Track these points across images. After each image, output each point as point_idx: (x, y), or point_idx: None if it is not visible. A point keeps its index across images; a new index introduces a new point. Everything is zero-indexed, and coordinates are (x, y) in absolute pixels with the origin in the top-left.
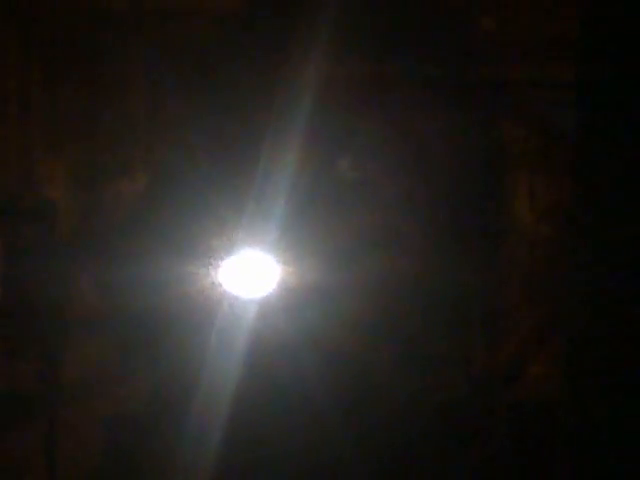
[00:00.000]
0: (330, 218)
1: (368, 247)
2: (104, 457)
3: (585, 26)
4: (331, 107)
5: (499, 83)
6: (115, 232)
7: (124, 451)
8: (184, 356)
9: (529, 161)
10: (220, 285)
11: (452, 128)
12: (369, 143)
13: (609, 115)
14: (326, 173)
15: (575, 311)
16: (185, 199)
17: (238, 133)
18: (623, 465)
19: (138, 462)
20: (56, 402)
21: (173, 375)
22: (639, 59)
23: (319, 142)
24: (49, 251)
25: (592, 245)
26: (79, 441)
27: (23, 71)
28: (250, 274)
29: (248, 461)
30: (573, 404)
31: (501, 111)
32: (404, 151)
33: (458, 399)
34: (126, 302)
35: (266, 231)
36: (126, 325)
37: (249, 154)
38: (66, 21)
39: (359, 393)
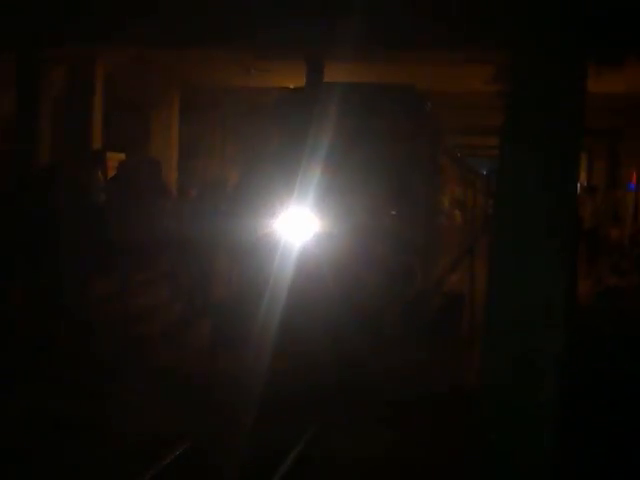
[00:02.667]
0: (340, 199)
1: (359, 213)
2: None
3: None
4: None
5: None
6: (225, 200)
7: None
8: (262, 269)
9: None
10: (281, 230)
11: None
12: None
13: None
14: (338, 177)
15: None
16: (261, 186)
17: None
18: None
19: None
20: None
21: (254, 280)
22: None
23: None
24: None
25: None
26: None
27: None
28: (298, 225)
29: (297, 323)
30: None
31: None
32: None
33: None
34: (231, 239)
35: (307, 203)
36: (231, 252)
37: (298, 163)
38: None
39: (352, 289)
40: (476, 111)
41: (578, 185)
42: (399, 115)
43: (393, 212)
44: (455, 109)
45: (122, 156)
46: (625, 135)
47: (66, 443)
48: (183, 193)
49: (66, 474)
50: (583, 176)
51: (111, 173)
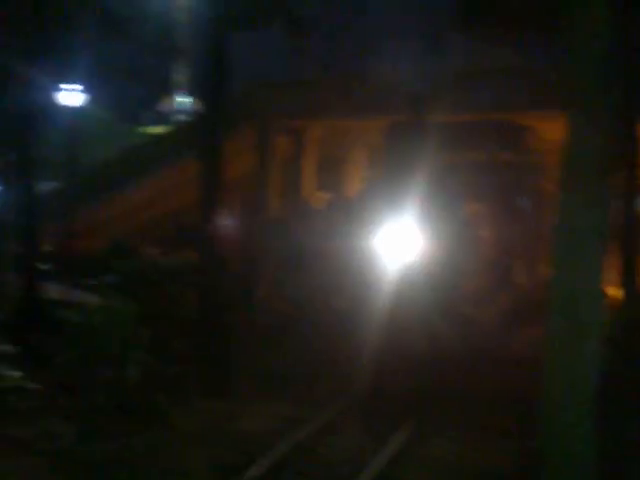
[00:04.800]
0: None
1: (463, 231)
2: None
3: None
4: None
5: None
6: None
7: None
8: (368, 277)
9: None
10: (385, 243)
11: None
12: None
13: None
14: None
15: None
16: (376, 200)
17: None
18: None
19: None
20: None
21: (361, 286)
22: None
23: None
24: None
25: None
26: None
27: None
28: (401, 242)
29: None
30: None
31: None
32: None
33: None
34: (344, 244)
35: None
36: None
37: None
38: None
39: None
40: None
41: None
42: (504, 146)
43: (498, 227)
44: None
45: (327, 195)
46: None
47: None
48: None
49: None
50: None
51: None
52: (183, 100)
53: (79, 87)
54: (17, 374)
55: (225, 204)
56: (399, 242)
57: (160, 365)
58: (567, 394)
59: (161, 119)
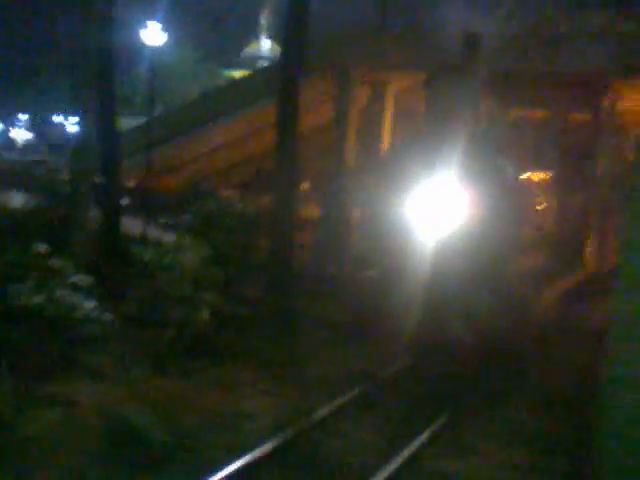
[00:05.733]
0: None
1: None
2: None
3: None
4: None
5: None
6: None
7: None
8: (406, 245)
9: None
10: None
11: None
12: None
13: None
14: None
15: None
16: (405, 165)
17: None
18: None
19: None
20: None
21: (399, 256)
22: None
23: None
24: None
25: None
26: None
27: None
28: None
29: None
30: None
31: None
32: None
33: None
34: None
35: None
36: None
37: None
38: None
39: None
40: None
41: None
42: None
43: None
44: None
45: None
46: None
47: None
48: None
49: None
50: None
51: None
52: (266, 45)
53: (159, 26)
54: (92, 304)
55: (301, 152)
56: (441, 208)
57: (230, 308)
58: (630, 377)
59: (245, 62)
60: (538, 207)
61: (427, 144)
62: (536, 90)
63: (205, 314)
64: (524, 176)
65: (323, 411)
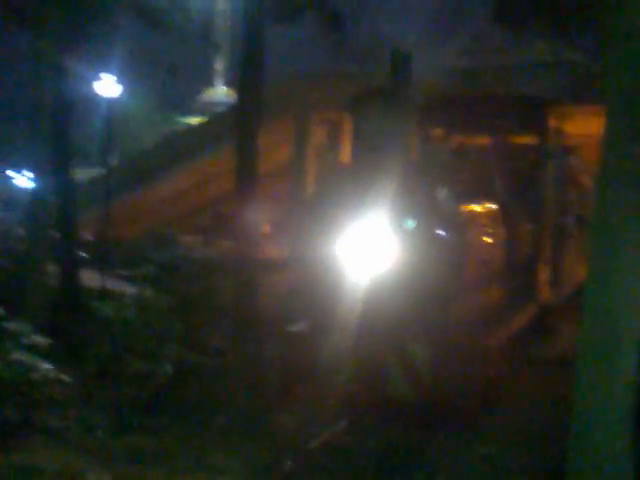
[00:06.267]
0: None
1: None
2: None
3: None
4: None
5: None
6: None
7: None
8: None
9: None
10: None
11: None
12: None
13: None
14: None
15: None
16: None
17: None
18: None
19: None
20: None
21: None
22: None
23: None
24: None
25: None
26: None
27: None
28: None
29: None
30: None
31: None
32: None
33: None
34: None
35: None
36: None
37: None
38: None
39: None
40: None
41: None
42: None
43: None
44: None
45: None
46: None
47: None
48: None
49: None
50: None
51: None
52: (223, 91)
53: (114, 78)
54: (50, 366)
55: (260, 195)
56: (372, 249)
57: (195, 358)
58: (601, 411)
59: (201, 109)
60: (485, 239)
61: (354, 178)
62: (480, 114)
63: (168, 367)
64: (469, 207)
65: None
